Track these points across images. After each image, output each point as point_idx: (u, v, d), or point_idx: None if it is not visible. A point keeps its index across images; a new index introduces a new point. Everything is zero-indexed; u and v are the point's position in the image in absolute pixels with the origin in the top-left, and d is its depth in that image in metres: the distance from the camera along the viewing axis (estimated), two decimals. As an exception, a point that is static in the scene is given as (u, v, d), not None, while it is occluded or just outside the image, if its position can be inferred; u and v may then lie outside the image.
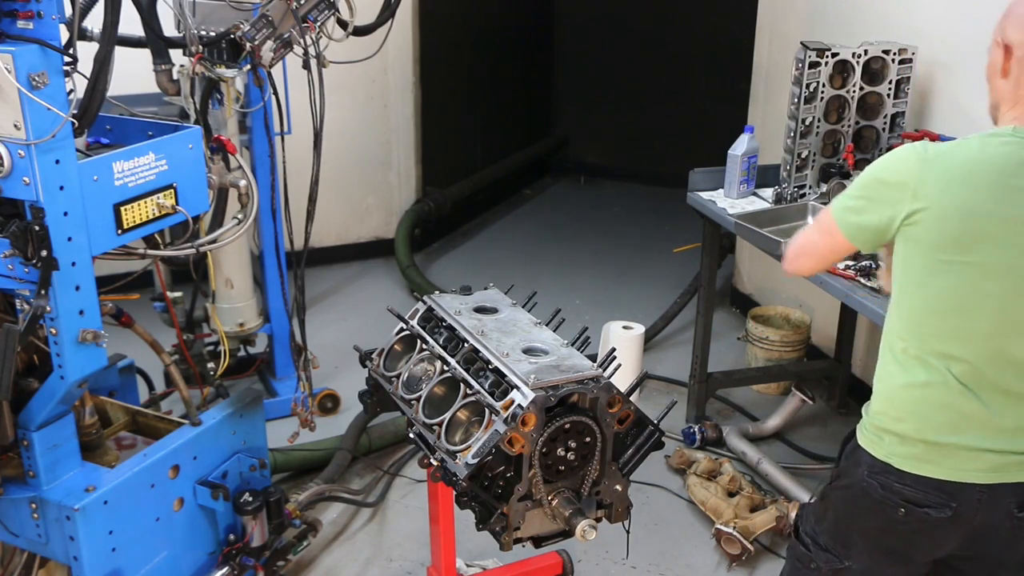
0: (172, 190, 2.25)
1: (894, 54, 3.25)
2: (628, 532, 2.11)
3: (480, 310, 2.30)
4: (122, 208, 2.13)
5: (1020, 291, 1.62)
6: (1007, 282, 1.61)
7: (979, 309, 1.63)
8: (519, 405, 1.88)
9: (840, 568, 1.85)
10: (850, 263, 2.77)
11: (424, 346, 2.24)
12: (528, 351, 2.07)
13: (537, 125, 7.38)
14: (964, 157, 1.64)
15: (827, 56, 3.18)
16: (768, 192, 3.38)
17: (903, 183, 1.65)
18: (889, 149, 3.24)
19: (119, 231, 2.14)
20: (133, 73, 2.96)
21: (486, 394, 1.97)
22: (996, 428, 1.66)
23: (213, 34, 2.68)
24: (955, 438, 1.67)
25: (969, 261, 1.61)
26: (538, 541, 2.03)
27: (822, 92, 3.22)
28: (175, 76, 2.97)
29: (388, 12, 3.05)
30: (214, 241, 2.50)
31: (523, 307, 2.35)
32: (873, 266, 2.62)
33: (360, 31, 2.95)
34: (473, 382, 2.02)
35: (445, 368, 2.12)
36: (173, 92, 2.99)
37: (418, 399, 2.12)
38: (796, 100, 3.21)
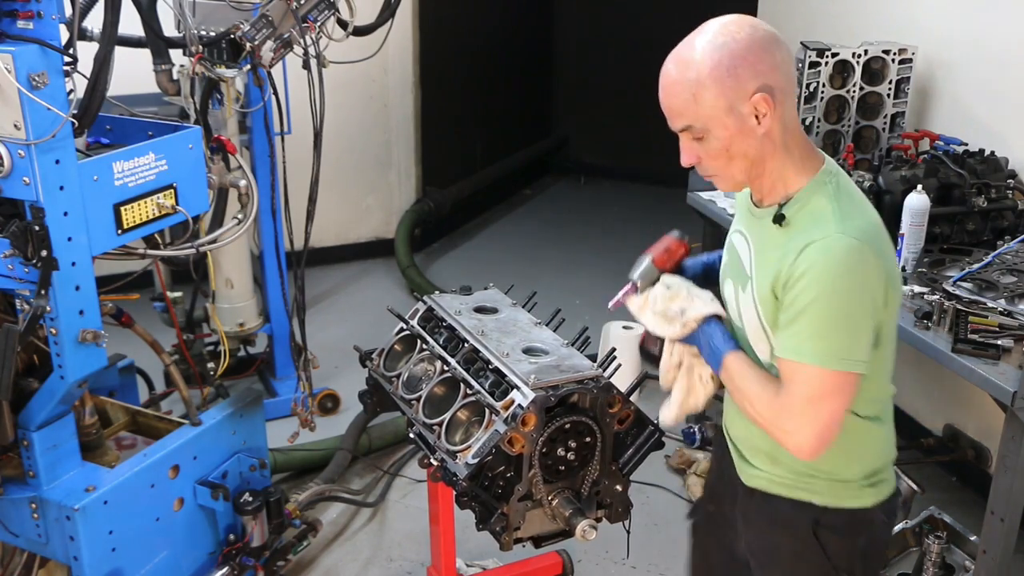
0: (172, 190, 2.25)
1: (894, 54, 3.25)
2: (628, 532, 2.11)
3: (480, 310, 2.30)
4: (122, 208, 2.13)
5: None
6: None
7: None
8: (519, 405, 1.88)
9: None
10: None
11: (424, 346, 2.24)
12: (528, 351, 2.07)
13: (537, 125, 7.38)
14: (875, 217, 1.58)
15: (827, 56, 3.18)
16: (768, 192, 3.38)
17: (877, 282, 1.53)
18: (889, 150, 3.25)
19: (119, 231, 2.14)
20: (133, 73, 2.96)
21: (486, 394, 1.97)
22: None
23: (213, 34, 2.68)
24: None
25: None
26: (538, 541, 2.03)
27: (822, 92, 3.22)
28: (175, 76, 2.97)
29: (388, 12, 3.05)
30: (214, 241, 2.50)
31: (523, 307, 2.35)
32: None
33: (360, 31, 2.95)
34: (473, 382, 2.02)
35: (445, 368, 2.12)
36: (173, 92, 2.99)
37: (418, 399, 2.12)
38: (796, 100, 3.20)
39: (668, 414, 1.79)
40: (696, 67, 1.52)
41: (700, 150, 1.58)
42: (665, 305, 1.72)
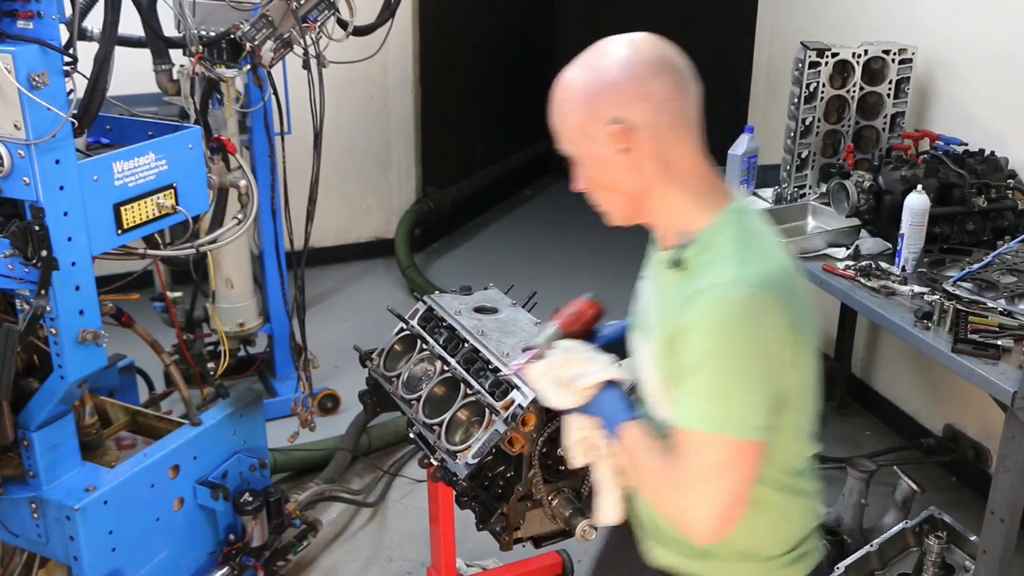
0: (172, 190, 2.25)
1: (894, 54, 3.25)
2: (628, 532, 2.11)
3: (480, 310, 2.30)
4: (122, 208, 2.13)
5: None
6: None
7: None
8: (519, 405, 1.88)
9: None
10: (850, 263, 2.77)
11: (424, 346, 2.24)
12: (528, 351, 2.07)
13: (537, 125, 7.29)
14: (783, 262, 1.36)
15: (827, 56, 3.18)
16: (768, 192, 3.38)
17: (781, 337, 1.31)
18: (889, 150, 3.25)
19: (119, 231, 2.14)
20: (133, 73, 2.96)
21: (486, 394, 1.97)
22: None
23: (213, 34, 2.68)
24: None
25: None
26: (538, 541, 2.03)
27: (822, 92, 3.22)
28: (175, 76, 2.97)
29: (388, 12, 3.06)
30: (214, 241, 2.50)
31: (523, 307, 2.35)
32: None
33: (360, 31, 2.95)
34: (473, 382, 2.02)
35: (445, 368, 2.12)
36: (173, 92, 2.99)
37: (418, 399, 2.12)
38: (796, 100, 3.20)
39: (609, 513, 1.56)
40: (570, 88, 1.38)
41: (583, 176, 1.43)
42: (559, 371, 1.53)
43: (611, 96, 1.34)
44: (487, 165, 6.46)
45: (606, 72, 1.35)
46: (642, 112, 1.33)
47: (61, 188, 1.95)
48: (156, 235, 2.35)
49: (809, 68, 3.16)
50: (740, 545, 1.43)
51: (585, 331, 1.66)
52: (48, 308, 1.98)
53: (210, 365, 3.63)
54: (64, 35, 1.90)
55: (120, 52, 2.12)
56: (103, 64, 1.99)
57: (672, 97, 1.34)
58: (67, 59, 1.91)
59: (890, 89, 3.28)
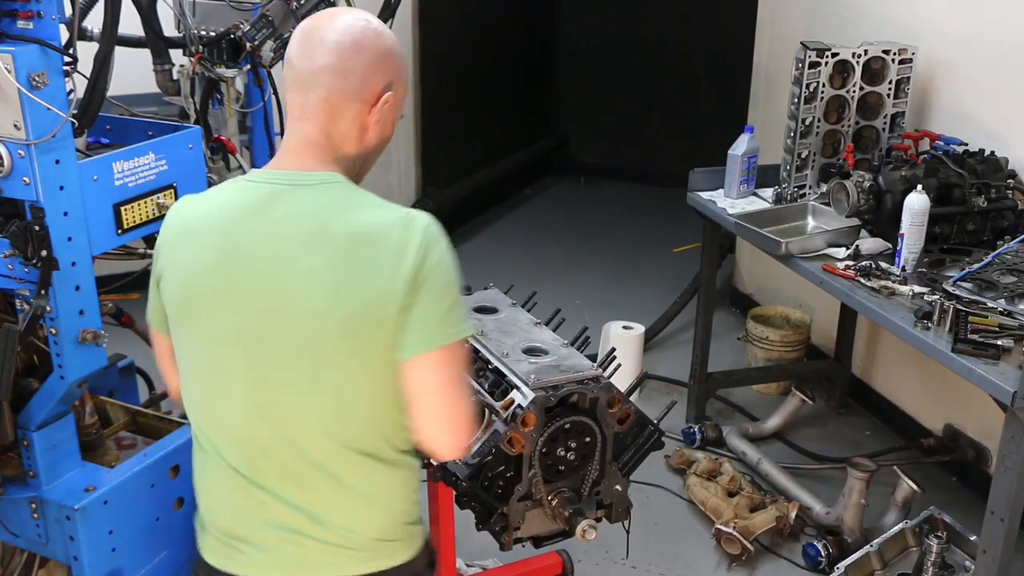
0: (172, 190, 2.25)
1: (894, 54, 3.25)
2: (628, 532, 2.11)
3: (480, 310, 2.30)
4: (122, 208, 2.13)
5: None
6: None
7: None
8: (519, 405, 1.88)
9: None
10: (850, 263, 2.77)
11: (424, 346, 2.24)
12: (528, 351, 2.07)
13: (537, 125, 7.38)
14: (199, 206, 1.59)
15: (827, 56, 3.18)
16: (768, 192, 3.39)
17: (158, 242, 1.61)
18: (889, 150, 3.25)
19: (119, 231, 2.14)
20: (133, 73, 2.96)
21: (486, 394, 1.97)
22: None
23: (213, 34, 2.68)
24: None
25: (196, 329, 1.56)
26: (538, 541, 2.03)
27: (822, 92, 3.23)
28: (175, 76, 2.97)
29: (388, 12, 3.05)
30: (214, 241, 2.50)
31: (523, 307, 2.35)
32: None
33: (360, 31, 2.94)
34: (473, 382, 2.02)
35: (445, 368, 2.12)
36: (173, 92, 2.99)
37: (418, 399, 2.11)
38: (796, 100, 3.21)
39: None
40: None
41: None
42: None
43: None
44: (487, 165, 6.46)
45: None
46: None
47: (61, 188, 1.95)
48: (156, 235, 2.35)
49: (809, 68, 3.16)
50: None
51: None
52: (48, 308, 1.98)
53: (210, 365, 3.62)
54: (64, 35, 1.90)
55: (120, 52, 2.12)
56: (103, 64, 1.98)
57: (290, 58, 1.57)
58: (67, 59, 1.91)
59: (890, 89, 3.29)
